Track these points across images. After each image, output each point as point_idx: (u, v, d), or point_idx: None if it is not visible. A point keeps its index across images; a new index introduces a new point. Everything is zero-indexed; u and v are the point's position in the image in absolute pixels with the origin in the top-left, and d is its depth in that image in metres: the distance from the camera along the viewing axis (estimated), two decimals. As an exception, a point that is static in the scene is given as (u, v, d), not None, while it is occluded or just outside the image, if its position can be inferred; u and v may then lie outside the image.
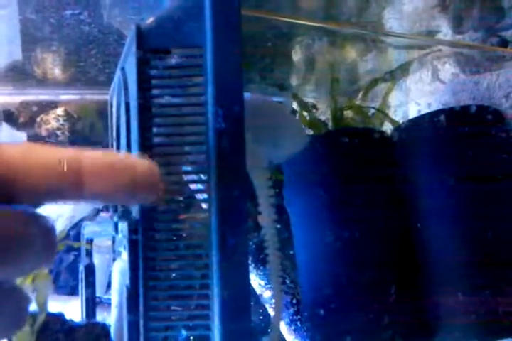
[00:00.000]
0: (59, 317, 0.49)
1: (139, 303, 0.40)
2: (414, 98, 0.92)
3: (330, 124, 0.78)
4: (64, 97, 0.92)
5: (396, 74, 0.88)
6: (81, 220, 0.59)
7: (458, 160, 0.66)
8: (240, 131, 0.41)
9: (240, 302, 0.40)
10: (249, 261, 0.69)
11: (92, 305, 0.58)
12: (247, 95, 0.42)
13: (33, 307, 0.43)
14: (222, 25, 0.42)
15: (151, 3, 0.52)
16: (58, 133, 0.93)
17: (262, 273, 0.76)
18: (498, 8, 0.77)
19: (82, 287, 0.61)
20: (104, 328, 0.50)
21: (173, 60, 0.42)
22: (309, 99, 0.93)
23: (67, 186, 0.27)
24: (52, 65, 0.77)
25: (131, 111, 0.44)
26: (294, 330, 0.76)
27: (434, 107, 0.85)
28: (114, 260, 0.56)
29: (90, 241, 0.66)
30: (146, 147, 0.42)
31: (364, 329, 0.64)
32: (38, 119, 0.98)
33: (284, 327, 0.76)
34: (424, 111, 0.87)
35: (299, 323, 0.75)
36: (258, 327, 0.83)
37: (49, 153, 0.27)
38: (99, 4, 0.56)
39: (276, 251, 0.50)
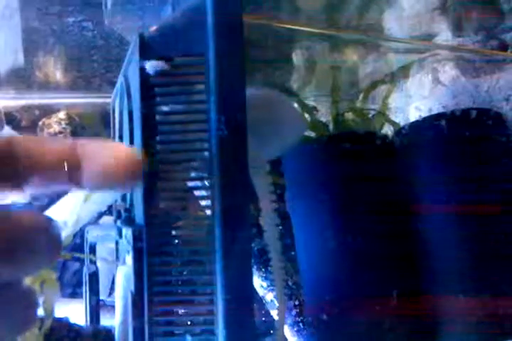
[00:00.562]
0: (64, 321, 0.49)
1: (143, 309, 0.41)
2: (415, 100, 0.92)
3: (331, 126, 0.78)
4: (66, 101, 0.92)
5: (396, 77, 0.88)
6: (85, 226, 0.59)
7: (459, 164, 0.67)
8: (243, 137, 0.42)
9: (244, 307, 0.40)
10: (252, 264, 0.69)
11: (96, 310, 0.59)
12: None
13: (40, 312, 0.44)
14: (225, 33, 0.43)
15: (154, 10, 0.53)
16: (60, 136, 0.93)
17: (264, 275, 0.77)
18: (498, 12, 0.78)
19: (86, 291, 0.61)
20: (109, 333, 0.50)
21: (176, 68, 0.43)
22: (310, 102, 0.93)
23: (63, 160, 0.30)
24: (54, 70, 0.77)
25: (134, 119, 0.44)
26: (297, 332, 0.76)
27: (434, 110, 0.85)
28: (117, 264, 0.57)
29: (93, 245, 0.67)
30: (149, 154, 0.42)
31: (366, 332, 0.64)
32: (40, 123, 0.98)
33: (286, 329, 0.76)
34: (425, 113, 0.88)
35: (301, 325, 0.75)
36: (261, 329, 0.83)
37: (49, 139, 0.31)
38: (101, 11, 0.57)
39: (278, 255, 0.51)
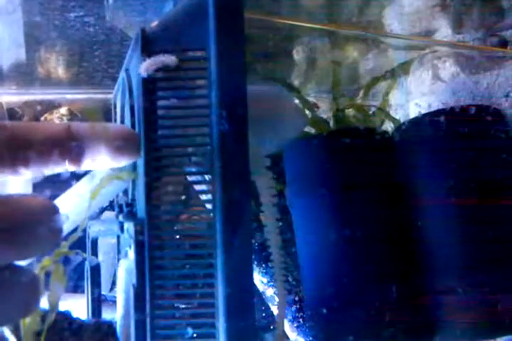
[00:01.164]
0: (66, 315, 0.50)
1: (145, 302, 0.41)
2: (415, 97, 0.93)
3: (331, 122, 0.79)
4: (68, 97, 0.92)
5: (396, 73, 0.88)
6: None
7: (458, 160, 0.67)
8: (244, 132, 0.42)
9: (244, 300, 0.41)
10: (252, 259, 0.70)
11: (98, 304, 0.59)
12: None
13: (44, 305, 0.44)
14: (226, 28, 0.43)
15: (155, 6, 0.53)
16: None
17: (264, 271, 0.77)
18: (498, 8, 0.78)
19: (88, 286, 0.62)
20: (111, 326, 0.50)
21: (178, 63, 0.43)
22: (310, 98, 0.94)
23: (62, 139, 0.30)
24: (56, 65, 0.78)
25: (135, 113, 0.45)
26: (297, 327, 0.76)
27: (434, 106, 0.86)
28: (119, 258, 0.57)
29: (95, 240, 0.67)
30: (151, 149, 0.42)
31: (366, 327, 0.64)
32: (42, 119, 0.98)
33: (286, 324, 0.77)
34: (424, 110, 0.88)
35: (301, 320, 0.76)
36: (261, 324, 0.83)
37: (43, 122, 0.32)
38: (103, 7, 0.57)
39: (278, 249, 0.51)
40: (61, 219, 0.28)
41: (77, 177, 0.70)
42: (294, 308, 0.77)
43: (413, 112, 0.92)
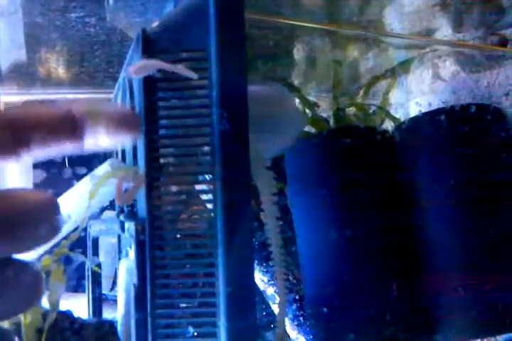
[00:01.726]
0: (67, 314, 0.50)
1: (146, 301, 0.41)
2: (415, 96, 0.93)
3: (331, 121, 0.79)
4: (68, 97, 0.92)
5: (397, 72, 0.88)
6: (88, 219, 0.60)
7: (459, 159, 0.67)
8: (244, 132, 0.42)
9: (245, 299, 0.41)
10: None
11: (99, 303, 0.59)
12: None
13: (45, 304, 0.44)
14: (226, 29, 0.43)
15: (156, 6, 0.53)
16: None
17: (265, 270, 0.77)
18: (498, 7, 0.78)
19: (88, 285, 0.62)
20: (112, 326, 0.51)
21: (178, 63, 0.43)
22: (311, 97, 0.94)
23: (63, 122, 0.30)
24: (56, 65, 0.78)
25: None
26: (298, 326, 0.76)
27: (435, 105, 0.86)
28: (119, 258, 0.57)
29: (96, 240, 0.67)
30: (152, 149, 0.43)
31: (367, 325, 0.65)
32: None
33: (287, 323, 0.77)
34: (425, 109, 0.88)
35: (302, 319, 0.76)
36: (261, 323, 0.83)
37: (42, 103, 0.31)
38: (104, 7, 0.57)
39: (279, 248, 0.51)
40: (61, 214, 0.28)
41: (78, 177, 0.70)
42: (294, 307, 0.77)
43: (413, 111, 0.92)
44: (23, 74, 0.81)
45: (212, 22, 0.43)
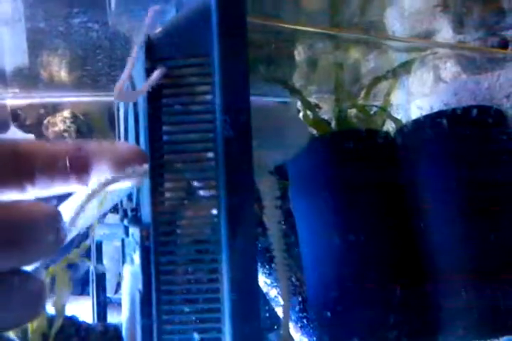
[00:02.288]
0: (73, 320, 0.50)
1: (151, 307, 0.41)
2: (416, 97, 0.93)
3: (333, 123, 0.79)
4: (71, 99, 0.93)
5: (398, 73, 0.88)
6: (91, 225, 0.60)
7: (460, 162, 0.67)
8: (248, 138, 0.42)
9: (249, 305, 0.41)
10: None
11: (103, 307, 0.59)
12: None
13: (51, 310, 0.44)
14: (229, 34, 0.43)
15: (158, 11, 0.53)
16: (65, 135, 0.94)
17: (268, 272, 0.77)
18: (499, 9, 0.78)
19: (93, 289, 0.62)
20: (117, 330, 0.51)
21: (181, 69, 0.43)
22: (312, 99, 0.94)
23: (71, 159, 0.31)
24: (60, 70, 0.78)
25: (140, 120, 0.45)
26: (301, 327, 0.77)
27: (436, 107, 0.86)
28: (123, 262, 0.57)
29: (100, 244, 0.67)
30: (156, 155, 0.43)
31: (370, 329, 0.65)
32: (45, 122, 0.99)
33: (290, 325, 0.77)
34: (426, 110, 0.88)
35: (305, 321, 0.76)
36: (264, 324, 0.84)
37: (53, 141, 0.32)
38: (106, 12, 0.57)
39: (282, 252, 0.51)
40: (64, 226, 0.28)
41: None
42: (297, 309, 0.77)
43: (414, 112, 0.92)
44: (26, 78, 0.81)
45: (214, 27, 0.43)
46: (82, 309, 0.63)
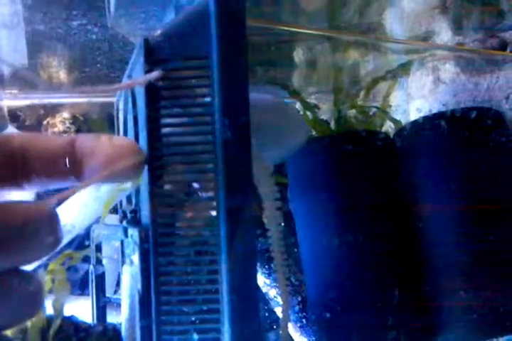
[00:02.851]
0: (72, 320, 0.50)
1: (151, 308, 0.41)
2: (415, 99, 0.93)
3: (332, 124, 0.79)
4: (70, 101, 0.93)
5: (397, 74, 0.88)
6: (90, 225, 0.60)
7: (459, 163, 0.67)
8: (247, 140, 0.42)
9: (248, 306, 0.41)
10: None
11: (102, 307, 0.60)
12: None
13: (49, 311, 0.44)
14: (228, 36, 0.43)
15: (157, 14, 0.54)
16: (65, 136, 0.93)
17: (267, 272, 0.78)
18: (497, 11, 0.78)
19: (92, 289, 0.62)
20: (116, 330, 0.51)
21: (180, 72, 0.43)
22: (311, 100, 0.94)
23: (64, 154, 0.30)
24: (59, 71, 0.78)
25: (139, 121, 0.45)
26: (300, 327, 0.77)
27: (435, 108, 0.86)
28: (123, 262, 0.58)
29: (99, 244, 0.68)
30: (155, 157, 0.43)
31: (369, 330, 0.65)
32: (45, 123, 0.99)
33: (290, 325, 0.77)
34: (425, 111, 0.88)
35: (304, 320, 0.76)
36: (264, 324, 0.84)
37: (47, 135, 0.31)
38: (105, 15, 0.58)
39: (282, 254, 0.52)
40: (61, 227, 0.28)
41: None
42: (297, 309, 0.77)
43: (413, 114, 0.92)
44: (25, 80, 0.81)
45: (213, 30, 0.43)
46: (81, 309, 0.63)
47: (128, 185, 0.45)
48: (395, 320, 0.64)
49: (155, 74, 0.43)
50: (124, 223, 0.50)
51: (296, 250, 0.72)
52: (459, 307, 0.65)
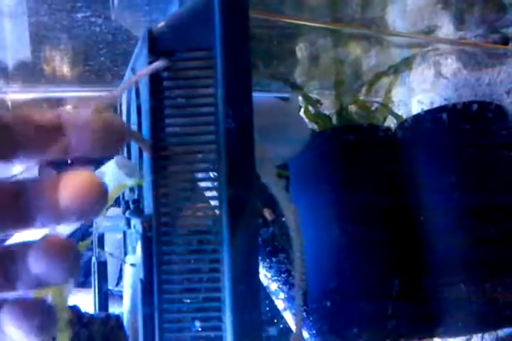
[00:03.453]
0: (74, 309, 0.51)
1: (153, 297, 0.42)
2: (417, 93, 0.93)
3: (334, 119, 0.79)
4: (74, 94, 0.93)
5: (399, 69, 0.88)
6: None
7: (460, 157, 0.67)
8: (249, 130, 0.43)
9: (249, 294, 0.41)
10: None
11: (104, 298, 0.60)
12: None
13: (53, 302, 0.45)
14: (232, 28, 0.43)
15: (161, 6, 0.54)
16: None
17: (268, 265, 0.78)
18: (499, 5, 0.78)
19: (94, 280, 0.62)
20: (119, 320, 0.51)
21: (184, 62, 0.44)
22: (313, 95, 0.94)
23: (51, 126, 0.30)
24: (63, 64, 0.78)
25: (142, 112, 0.45)
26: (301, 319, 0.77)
27: (436, 102, 0.86)
28: (125, 253, 0.58)
29: (101, 236, 0.68)
30: (158, 147, 0.43)
31: (369, 319, 0.65)
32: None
33: (290, 317, 0.77)
34: (427, 106, 0.89)
35: (305, 313, 0.77)
36: (264, 318, 0.84)
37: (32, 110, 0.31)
38: (109, 7, 0.58)
39: (300, 254, 0.52)
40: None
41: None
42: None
43: (415, 108, 0.92)
44: (30, 72, 0.81)
45: (217, 21, 0.43)
46: (83, 300, 0.63)
47: (131, 182, 0.45)
48: (394, 309, 0.64)
49: (159, 63, 0.43)
50: (127, 214, 0.50)
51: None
52: (458, 298, 0.65)
